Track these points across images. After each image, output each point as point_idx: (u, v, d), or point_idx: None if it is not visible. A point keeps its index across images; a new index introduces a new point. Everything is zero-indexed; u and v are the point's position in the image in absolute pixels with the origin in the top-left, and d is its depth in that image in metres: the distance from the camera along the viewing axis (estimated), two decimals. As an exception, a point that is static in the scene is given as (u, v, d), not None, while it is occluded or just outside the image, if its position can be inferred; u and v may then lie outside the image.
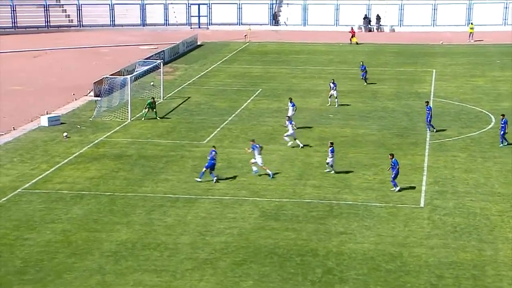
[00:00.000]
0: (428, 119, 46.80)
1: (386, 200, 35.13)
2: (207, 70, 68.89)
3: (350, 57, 75.32)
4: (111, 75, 57.87)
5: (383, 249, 29.86)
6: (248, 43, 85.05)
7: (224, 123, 49.51)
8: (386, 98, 56.90)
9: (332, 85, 54.13)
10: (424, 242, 30.58)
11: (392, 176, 36.29)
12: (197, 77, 65.86)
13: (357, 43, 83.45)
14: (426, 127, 47.09)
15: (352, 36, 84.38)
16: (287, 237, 31.04)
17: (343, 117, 51.20)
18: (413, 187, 36.88)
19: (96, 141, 45.54)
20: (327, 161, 39.09)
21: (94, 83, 57.82)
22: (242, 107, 54.06)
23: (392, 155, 36.78)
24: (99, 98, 55.38)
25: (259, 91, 59.14)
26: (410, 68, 69.16)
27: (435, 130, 46.65)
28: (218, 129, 48.16)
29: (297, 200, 35.36)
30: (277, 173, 38.92)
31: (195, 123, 49.57)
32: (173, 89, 60.14)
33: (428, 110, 46.68)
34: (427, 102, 47.58)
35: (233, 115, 51.59)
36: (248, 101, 56.15)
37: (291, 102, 48.80)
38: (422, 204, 34.75)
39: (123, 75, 58.20)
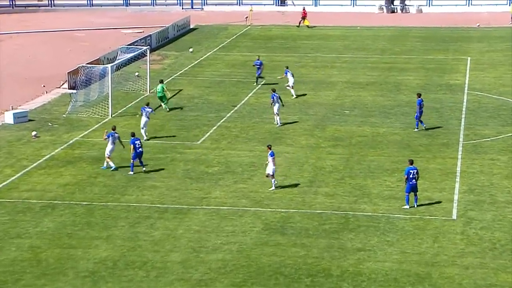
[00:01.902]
0: (417, 115, 46.86)
1: (411, 211, 35.13)
2: (201, 58, 68.95)
3: (369, 42, 75.34)
4: (88, 63, 57.90)
5: (408, 269, 29.87)
6: (249, 27, 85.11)
7: (221, 121, 49.54)
8: (411, 91, 56.83)
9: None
10: (457, 260, 30.57)
11: (406, 190, 35.53)
12: (189, 66, 65.93)
13: (308, 26, 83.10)
14: (456, 125, 47.15)
15: (303, 18, 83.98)
16: (295, 254, 31.05)
17: (361, 113, 51.22)
18: (444, 196, 36.91)
19: (71, 142, 45.58)
20: (267, 172, 37.63)
21: (68, 73, 57.84)
22: (243, 102, 54.10)
23: (411, 161, 35.89)
24: (74, 91, 55.43)
25: (262, 83, 59.14)
26: (440, 56, 69.14)
27: (423, 127, 46.68)
28: (215, 127, 48.19)
29: (307, 210, 35.38)
30: (284, 178, 39.02)
31: (188, 121, 49.62)
32: (161, 81, 60.19)
33: (419, 104, 46.75)
34: (419, 95, 47.62)
35: (232, 111, 51.61)
36: (250, 94, 56.18)
37: (287, 69, 51.68)
38: (454, 216, 34.74)
39: (103, 64, 58.25)
